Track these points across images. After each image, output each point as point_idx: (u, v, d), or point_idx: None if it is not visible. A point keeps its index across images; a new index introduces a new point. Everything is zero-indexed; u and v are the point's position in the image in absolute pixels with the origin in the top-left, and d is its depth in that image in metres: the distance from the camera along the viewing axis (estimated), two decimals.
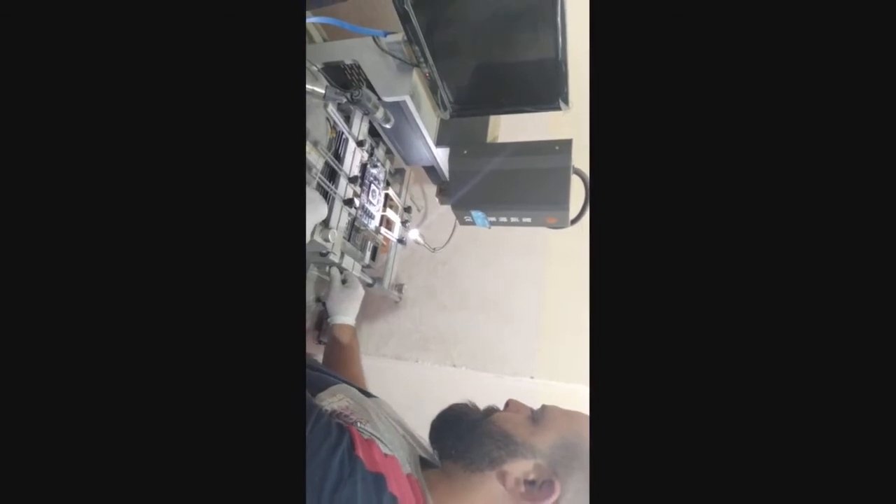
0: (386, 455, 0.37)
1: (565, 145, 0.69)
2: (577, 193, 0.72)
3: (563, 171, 0.69)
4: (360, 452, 0.35)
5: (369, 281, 0.87)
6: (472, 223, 0.80)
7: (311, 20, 0.62)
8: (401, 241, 0.92)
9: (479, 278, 1.09)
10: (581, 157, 0.69)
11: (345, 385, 0.48)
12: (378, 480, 0.34)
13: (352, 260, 0.78)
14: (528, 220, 0.76)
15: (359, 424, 0.40)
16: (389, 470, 0.36)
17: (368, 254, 0.84)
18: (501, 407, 0.47)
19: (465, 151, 0.75)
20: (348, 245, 0.76)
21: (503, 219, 0.77)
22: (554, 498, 0.38)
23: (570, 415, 0.43)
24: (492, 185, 0.74)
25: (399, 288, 1.03)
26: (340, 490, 0.32)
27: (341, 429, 0.36)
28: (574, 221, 0.76)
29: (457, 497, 0.39)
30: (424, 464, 0.44)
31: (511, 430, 0.42)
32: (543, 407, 0.44)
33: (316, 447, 0.33)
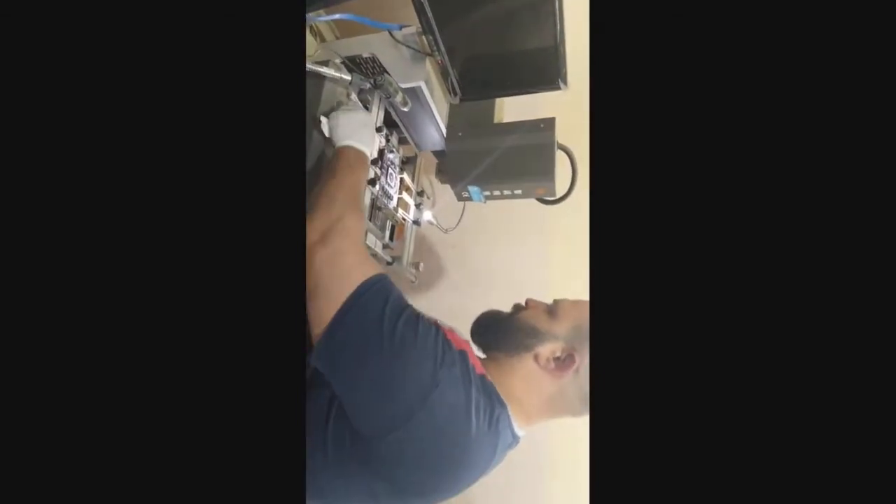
0: (462, 340, 0.51)
1: (549, 123, 0.78)
2: (567, 173, 0.80)
3: (549, 147, 0.77)
4: (449, 336, 0.49)
5: (389, 260, 0.94)
6: (470, 198, 0.88)
7: (333, 17, 0.69)
8: (416, 222, 0.99)
9: (487, 258, 1.16)
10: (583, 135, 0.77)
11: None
12: (463, 354, 0.48)
13: (374, 237, 0.85)
14: (520, 192, 0.84)
15: (439, 321, 0.52)
16: (467, 347, 0.50)
17: (388, 233, 0.91)
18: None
19: (460, 133, 0.83)
20: (370, 224, 0.82)
21: (497, 192, 0.85)
22: (575, 366, 0.50)
23: (579, 304, 0.55)
24: (485, 162, 0.82)
25: (416, 265, 1.10)
26: (446, 356, 0.46)
27: (433, 323, 0.50)
28: (563, 198, 0.84)
29: (504, 373, 0.52)
30: None
31: (535, 322, 0.54)
32: (556, 301, 0.56)
33: (423, 333, 0.46)
